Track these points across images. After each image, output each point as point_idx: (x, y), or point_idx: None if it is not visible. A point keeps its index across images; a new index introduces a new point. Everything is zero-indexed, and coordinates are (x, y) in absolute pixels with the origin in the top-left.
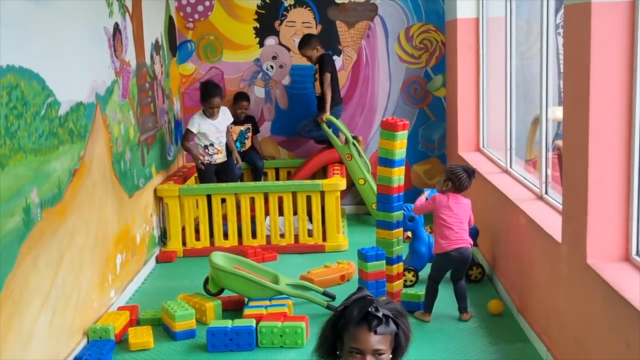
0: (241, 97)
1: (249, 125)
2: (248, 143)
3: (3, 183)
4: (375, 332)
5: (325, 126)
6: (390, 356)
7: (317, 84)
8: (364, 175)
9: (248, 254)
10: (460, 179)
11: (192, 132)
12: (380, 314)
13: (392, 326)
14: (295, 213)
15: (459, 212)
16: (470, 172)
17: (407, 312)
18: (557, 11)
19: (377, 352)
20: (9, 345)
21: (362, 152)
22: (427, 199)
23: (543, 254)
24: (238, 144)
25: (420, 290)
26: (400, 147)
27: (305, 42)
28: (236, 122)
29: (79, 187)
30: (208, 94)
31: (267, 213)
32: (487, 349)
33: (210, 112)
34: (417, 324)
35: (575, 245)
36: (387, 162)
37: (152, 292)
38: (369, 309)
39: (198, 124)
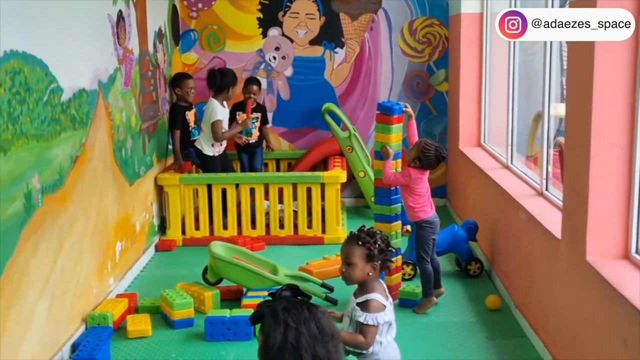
0: (251, 81)
1: (258, 115)
2: (255, 133)
3: (5, 168)
4: None
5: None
6: None
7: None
8: (364, 168)
9: (238, 243)
10: (430, 161)
11: (221, 121)
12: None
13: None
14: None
15: (426, 182)
16: (441, 158)
17: (405, 308)
18: (562, 5)
19: None
20: (8, 330)
21: (363, 145)
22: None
23: (542, 250)
24: (244, 133)
25: (417, 287)
26: (395, 140)
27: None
28: (244, 110)
29: (80, 174)
30: (230, 82)
31: (266, 198)
32: (484, 344)
33: (226, 100)
34: (413, 318)
35: (575, 242)
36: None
37: (151, 280)
38: None
39: (218, 111)
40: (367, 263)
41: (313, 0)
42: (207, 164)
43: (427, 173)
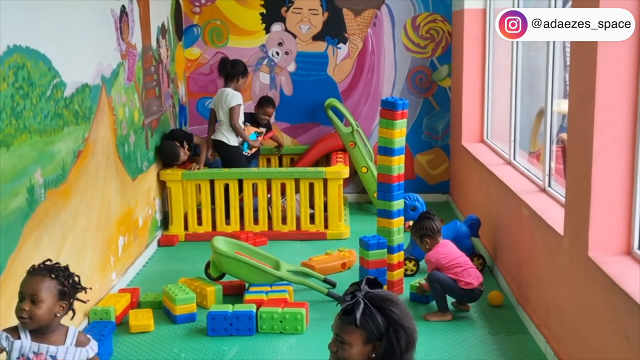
0: (267, 102)
1: (263, 130)
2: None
3: (8, 163)
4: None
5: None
6: None
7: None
8: (366, 164)
9: (240, 238)
10: (429, 227)
11: (240, 106)
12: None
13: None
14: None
15: (451, 251)
16: (428, 215)
17: (414, 303)
18: (564, 3)
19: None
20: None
21: (365, 140)
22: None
23: (545, 246)
24: (245, 147)
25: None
26: (399, 135)
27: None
28: (252, 124)
29: (82, 169)
30: (240, 71)
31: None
32: (486, 339)
33: (236, 89)
34: (414, 314)
35: (577, 238)
36: (386, 150)
37: (154, 275)
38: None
39: (238, 97)
40: (58, 301)
41: None
42: (235, 156)
43: (441, 246)
